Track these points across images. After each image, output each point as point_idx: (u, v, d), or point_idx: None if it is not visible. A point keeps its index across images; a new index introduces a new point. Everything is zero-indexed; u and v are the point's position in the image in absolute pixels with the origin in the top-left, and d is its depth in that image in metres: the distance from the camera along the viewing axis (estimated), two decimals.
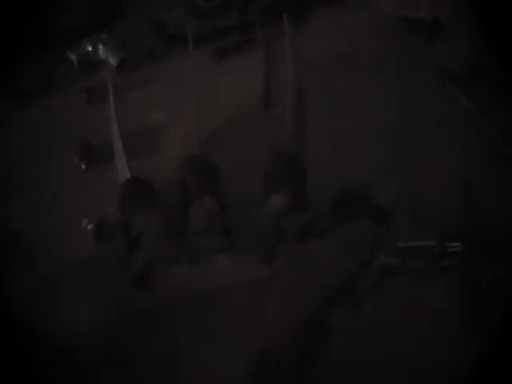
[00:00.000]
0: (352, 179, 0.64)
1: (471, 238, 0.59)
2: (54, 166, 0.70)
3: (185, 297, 0.52)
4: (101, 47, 0.79)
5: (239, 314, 0.50)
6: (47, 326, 0.48)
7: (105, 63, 0.79)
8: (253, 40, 0.82)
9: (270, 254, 0.52)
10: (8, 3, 0.73)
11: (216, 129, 0.71)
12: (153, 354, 0.50)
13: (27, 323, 0.47)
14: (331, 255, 0.53)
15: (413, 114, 0.71)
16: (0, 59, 0.72)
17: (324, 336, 0.52)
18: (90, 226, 0.62)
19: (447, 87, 0.74)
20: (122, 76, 0.78)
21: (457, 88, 0.73)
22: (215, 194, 0.59)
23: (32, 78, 0.77)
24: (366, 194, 0.62)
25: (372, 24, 0.81)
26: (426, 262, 0.58)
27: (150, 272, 0.53)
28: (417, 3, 0.82)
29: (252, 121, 0.72)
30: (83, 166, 0.70)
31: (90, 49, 0.79)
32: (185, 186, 0.60)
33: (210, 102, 0.72)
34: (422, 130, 0.69)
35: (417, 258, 0.58)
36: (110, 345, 0.50)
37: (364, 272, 0.54)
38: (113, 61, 0.78)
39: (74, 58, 0.78)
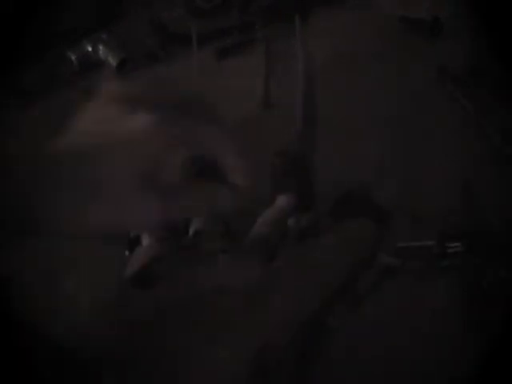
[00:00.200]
0: (352, 179, 0.64)
1: (471, 237, 0.59)
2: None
3: (185, 297, 0.52)
4: (101, 47, 0.79)
5: (239, 314, 0.50)
6: (47, 325, 0.48)
7: (105, 63, 0.79)
8: (253, 40, 0.82)
9: (272, 254, 0.52)
10: (8, 3, 0.72)
11: None
12: (153, 354, 0.50)
13: (27, 322, 0.47)
14: (331, 255, 0.53)
15: (413, 113, 0.71)
16: (0, 59, 0.72)
17: (324, 336, 0.52)
18: None
19: (447, 87, 0.74)
20: (123, 76, 0.78)
21: (457, 88, 0.73)
22: None
23: (32, 77, 0.77)
24: (366, 194, 0.62)
25: (372, 24, 0.81)
26: (426, 262, 0.58)
27: (150, 272, 0.53)
28: (417, 3, 0.82)
29: (253, 121, 0.72)
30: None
31: (89, 49, 0.79)
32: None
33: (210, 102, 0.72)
34: (421, 130, 0.69)
35: (417, 258, 0.58)
36: (110, 345, 0.50)
37: (364, 272, 0.54)
38: (113, 61, 0.78)
39: (74, 57, 0.78)
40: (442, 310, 0.56)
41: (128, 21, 0.84)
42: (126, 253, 0.56)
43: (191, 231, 0.54)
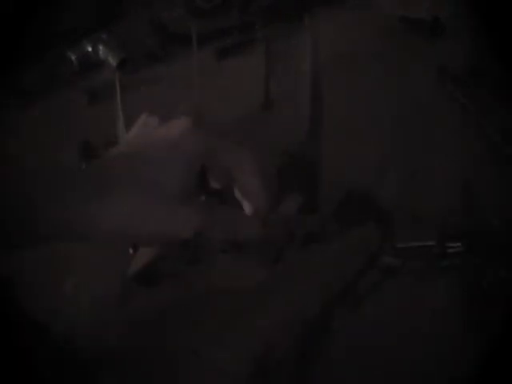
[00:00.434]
0: (352, 179, 0.64)
1: (471, 237, 0.59)
2: (53, 165, 0.70)
3: (185, 297, 0.52)
4: (101, 47, 0.79)
5: (240, 314, 0.50)
6: (47, 325, 0.48)
7: (105, 63, 0.79)
8: (253, 40, 0.82)
9: (276, 257, 0.52)
10: (8, 3, 0.72)
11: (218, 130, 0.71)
12: (153, 354, 0.50)
13: (27, 322, 0.47)
14: (334, 258, 0.53)
15: (413, 113, 0.71)
16: (0, 59, 0.71)
17: (324, 336, 0.52)
18: None
19: (447, 87, 0.74)
20: (123, 76, 0.78)
21: (457, 88, 0.73)
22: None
23: (32, 77, 0.77)
24: (369, 195, 0.62)
25: (372, 24, 0.81)
26: (426, 262, 0.58)
27: (155, 270, 0.53)
28: (417, 3, 0.82)
29: (254, 121, 0.72)
30: (83, 167, 0.70)
31: (89, 49, 0.79)
32: None
33: (211, 102, 0.72)
34: (421, 130, 0.69)
35: (417, 258, 0.58)
36: (110, 345, 0.50)
37: (364, 272, 0.54)
38: (113, 61, 0.78)
39: (74, 57, 0.78)
40: (441, 310, 0.56)
41: (128, 21, 0.84)
42: (130, 250, 0.56)
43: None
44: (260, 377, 0.47)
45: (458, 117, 0.71)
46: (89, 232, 0.39)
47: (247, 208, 0.46)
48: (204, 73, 0.75)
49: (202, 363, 0.49)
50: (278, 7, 0.84)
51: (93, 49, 0.79)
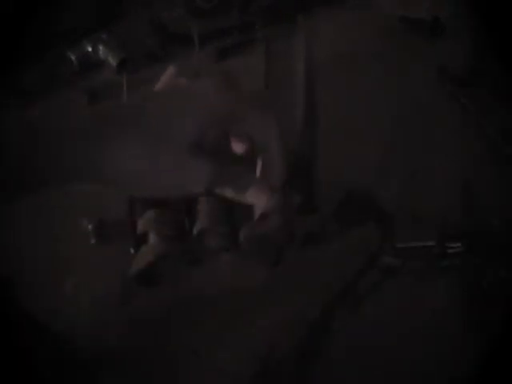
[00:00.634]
0: (352, 179, 0.64)
1: (471, 238, 0.59)
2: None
3: (186, 297, 0.52)
4: (101, 47, 0.79)
5: (241, 315, 0.50)
6: (47, 325, 0.48)
7: (105, 63, 0.79)
8: (253, 40, 0.82)
9: (278, 258, 0.52)
10: (8, 3, 0.72)
11: None
12: (153, 354, 0.50)
13: (27, 322, 0.47)
14: (333, 256, 0.53)
15: (413, 113, 0.71)
16: (0, 59, 0.72)
17: (324, 336, 0.52)
18: (90, 226, 0.62)
19: (447, 87, 0.74)
20: (123, 76, 0.78)
21: (457, 88, 0.73)
22: None
23: (32, 77, 0.77)
24: (369, 195, 0.62)
25: (372, 24, 0.81)
26: (426, 262, 0.58)
27: (156, 270, 0.53)
28: (417, 3, 0.82)
29: None
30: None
31: (89, 49, 0.79)
32: None
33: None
34: (421, 130, 0.69)
35: (417, 258, 0.58)
36: (110, 345, 0.50)
37: (364, 272, 0.54)
38: (113, 61, 0.78)
39: (73, 57, 0.78)
40: (441, 310, 0.56)
41: (128, 21, 0.84)
42: (131, 250, 0.55)
43: (195, 230, 0.54)
44: (260, 377, 0.47)
45: (458, 117, 0.71)
46: (92, 174, 0.38)
47: (260, 174, 0.45)
48: (204, 73, 0.75)
49: (201, 363, 0.49)
50: (278, 7, 0.84)
51: (93, 49, 0.79)
